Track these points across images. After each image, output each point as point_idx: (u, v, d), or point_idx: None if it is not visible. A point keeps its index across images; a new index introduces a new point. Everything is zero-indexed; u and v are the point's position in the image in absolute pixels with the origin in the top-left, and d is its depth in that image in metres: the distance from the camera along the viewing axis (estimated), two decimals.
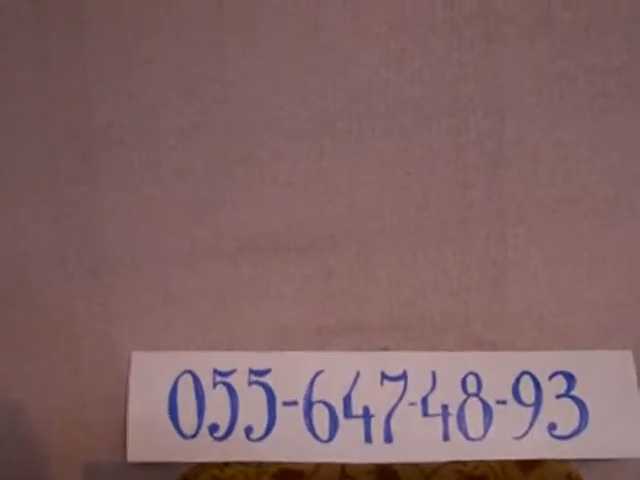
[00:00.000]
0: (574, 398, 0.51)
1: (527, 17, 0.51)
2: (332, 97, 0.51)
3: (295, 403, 0.50)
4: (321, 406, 0.50)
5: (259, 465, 0.50)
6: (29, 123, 0.51)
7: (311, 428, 0.50)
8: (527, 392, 0.51)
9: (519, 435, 0.51)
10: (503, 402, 0.51)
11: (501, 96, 0.51)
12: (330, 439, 0.50)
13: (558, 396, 0.51)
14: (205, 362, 0.51)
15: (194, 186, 0.51)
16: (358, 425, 0.50)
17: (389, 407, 0.50)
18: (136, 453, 0.50)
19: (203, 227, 0.51)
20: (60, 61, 0.51)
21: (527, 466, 0.50)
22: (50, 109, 0.51)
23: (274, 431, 0.50)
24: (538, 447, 0.50)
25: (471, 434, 0.51)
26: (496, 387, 0.51)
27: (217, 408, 0.50)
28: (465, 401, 0.51)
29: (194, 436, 0.50)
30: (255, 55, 0.51)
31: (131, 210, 0.51)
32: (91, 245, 0.51)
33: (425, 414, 0.51)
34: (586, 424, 0.51)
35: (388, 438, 0.50)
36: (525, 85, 0.51)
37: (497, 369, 0.51)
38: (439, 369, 0.51)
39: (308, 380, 0.51)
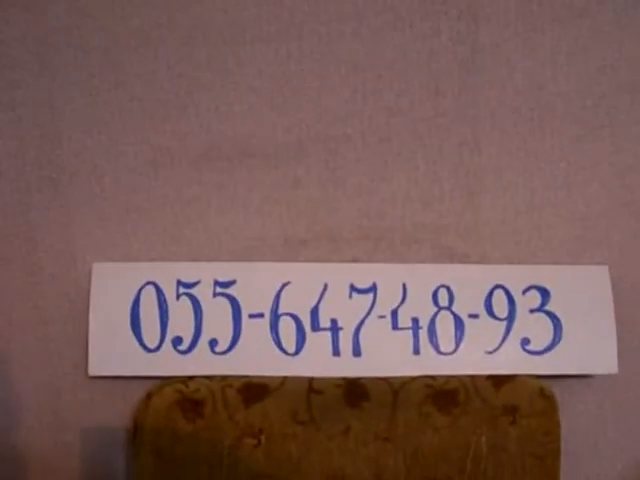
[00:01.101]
0: (548, 313, 0.50)
1: None
2: None
3: (261, 315, 0.49)
4: (288, 319, 0.49)
5: (224, 379, 0.49)
6: None
7: (277, 341, 0.49)
8: (500, 306, 0.50)
9: (491, 350, 0.49)
10: (475, 316, 0.50)
11: None
12: (297, 352, 0.49)
13: (532, 310, 0.50)
14: (168, 273, 0.49)
15: (156, 91, 0.49)
16: (326, 338, 0.49)
17: (358, 320, 0.49)
18: (97, 367, 0.49)
19: (165, 133, 0.49)
20: None
21: (499, 381, 0.49)
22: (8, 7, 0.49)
23: (239, 344, 0.49)
24: (510, 362, 0.49)
25: (442, 348, 0.49)
26: (468, 300, 0.50)
27: (181, 320, 0.49)
28: (436, 314, 0.49)
29: (157, 349, 0.49)
30: None
31: (91, 116, 0.49)
32: (50, 153, 0.49)
33: (395, 327, 0.49)
34: (559, 339, 0.50)
35: (357, 352, 0.49)
36: None
37: (469, 282, 0.50)
38: (410, 281, 0.50)
39: (275, 292, 0.49)
